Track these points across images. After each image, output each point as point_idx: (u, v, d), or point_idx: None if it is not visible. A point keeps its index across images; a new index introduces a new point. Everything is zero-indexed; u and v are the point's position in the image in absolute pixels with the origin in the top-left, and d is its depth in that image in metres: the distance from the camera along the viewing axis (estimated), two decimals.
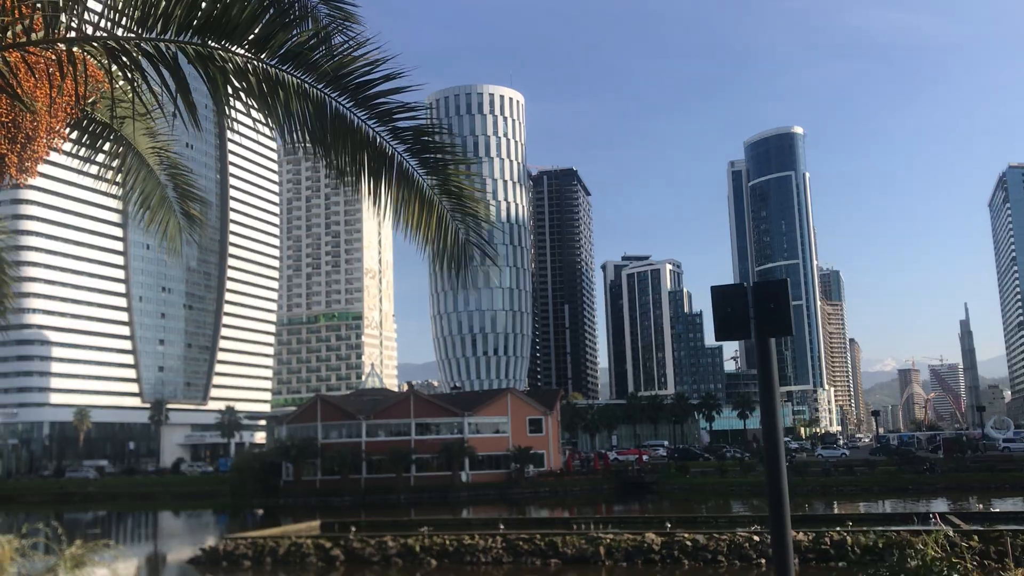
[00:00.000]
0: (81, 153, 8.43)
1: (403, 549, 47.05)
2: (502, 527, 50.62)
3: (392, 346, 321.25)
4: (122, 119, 8.12)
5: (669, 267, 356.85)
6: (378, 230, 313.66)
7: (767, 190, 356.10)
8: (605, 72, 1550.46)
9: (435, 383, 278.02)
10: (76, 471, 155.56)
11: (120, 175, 8.59)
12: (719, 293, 10.51)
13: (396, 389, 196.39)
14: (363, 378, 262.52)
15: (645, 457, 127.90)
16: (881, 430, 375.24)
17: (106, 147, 8.41)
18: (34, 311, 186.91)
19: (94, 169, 8.85)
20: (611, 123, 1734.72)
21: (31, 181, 8.90)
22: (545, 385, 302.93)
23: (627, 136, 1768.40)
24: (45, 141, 5.87)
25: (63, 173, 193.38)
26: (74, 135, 8.28)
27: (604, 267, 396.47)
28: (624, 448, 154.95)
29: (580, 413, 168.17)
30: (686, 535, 45.10)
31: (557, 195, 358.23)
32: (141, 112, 8.23)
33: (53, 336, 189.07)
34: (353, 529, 51.63)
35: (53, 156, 6.48)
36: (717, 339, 10.02)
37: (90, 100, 7.46)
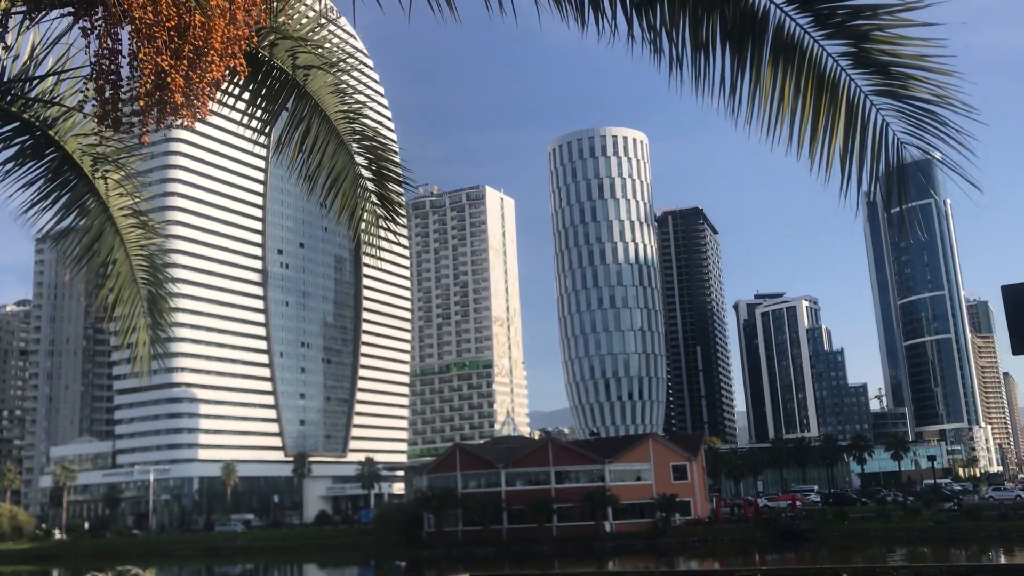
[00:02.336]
0: (257, 114, 6.69)
1: None
2: None
3: (523, 393, 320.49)
4: (307, 70, 6.40)
5: (805, 304, 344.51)
6: (504, 279, 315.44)
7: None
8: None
9: (566, 430, 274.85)
10: (224, 525, 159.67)
11: (306, 145, 6.82)
12: (1013, 293, 8.25)
13: (527, 437, 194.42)
14: (497, 426, 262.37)
15: (798, 503, 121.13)
16: None
17: (288, 105, 6.65)
18: (182, 370, 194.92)
19: (263, 138, 7.20)
20: (735, 160, 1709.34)
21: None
22: (680, 430, 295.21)
23: (752, 172, 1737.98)
24: (220, 59, 4.15)
25: (206, 223, 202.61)
26: (245, 95, 6.61)
27: (736, 306, 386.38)
28: (771, 494, 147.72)
29: (723, 458, 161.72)
30: None
31: (683, 235, 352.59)
32: (332, 60, 6.51)
33: (200, 393, 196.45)
34: None
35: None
36: (1014, 351, 7.75)
37: (266, 32, 5.77)
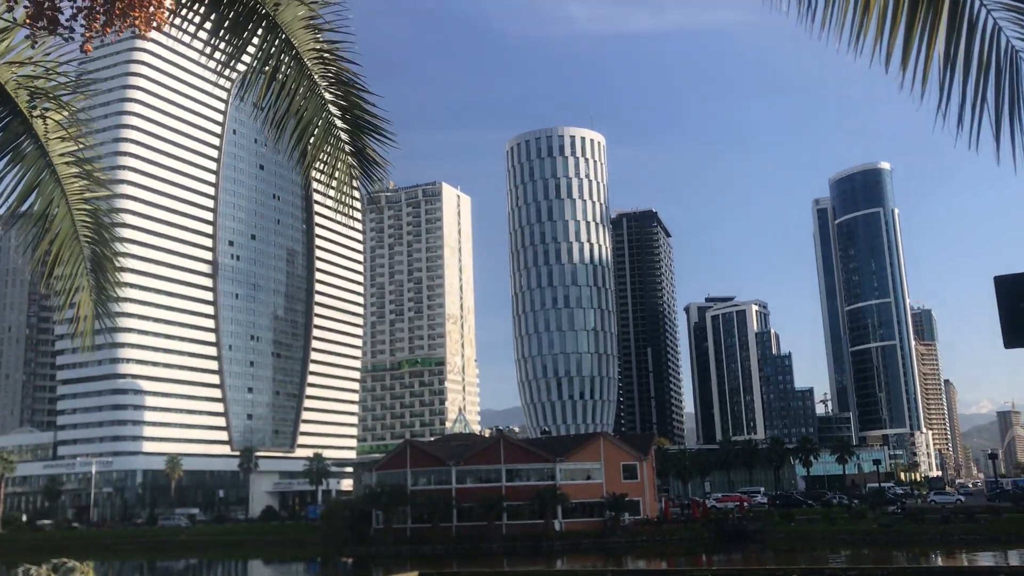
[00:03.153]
0: (220, 47, 5.94)
1: None
2: None
3: (475, 391, 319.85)
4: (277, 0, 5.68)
5: (755, 308, 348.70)
6: (459, 276, 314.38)
7: (855, 227, 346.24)
8: (683, 114, 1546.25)
9: (516, 429, 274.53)
10: (168, 519, 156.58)
11: (271, 86, 6.09)
12: (1006, 284, 7.87)
13: (479, 435, 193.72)
14: (448, 423, 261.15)
15: (746, 504, 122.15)
16: (981, 475, 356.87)
17: (255, 40, 5.89)
18: (127, 361, 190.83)
19: (226, 84, 6.50)
20: (690, 165, 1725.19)
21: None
22: (630, 430, 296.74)
23: (706, 177, 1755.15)
24: None
25: (156, 212, 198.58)
26: (207, 24, 5.84)
27: (687, 309, 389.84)
28: (719, 495, 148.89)
29: (672, 459, 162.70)
30: None
31: (637, 237, 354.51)
32: None
33: (146, 385, 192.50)
34: None
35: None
36: (1007, 344, 7.47)
37: None
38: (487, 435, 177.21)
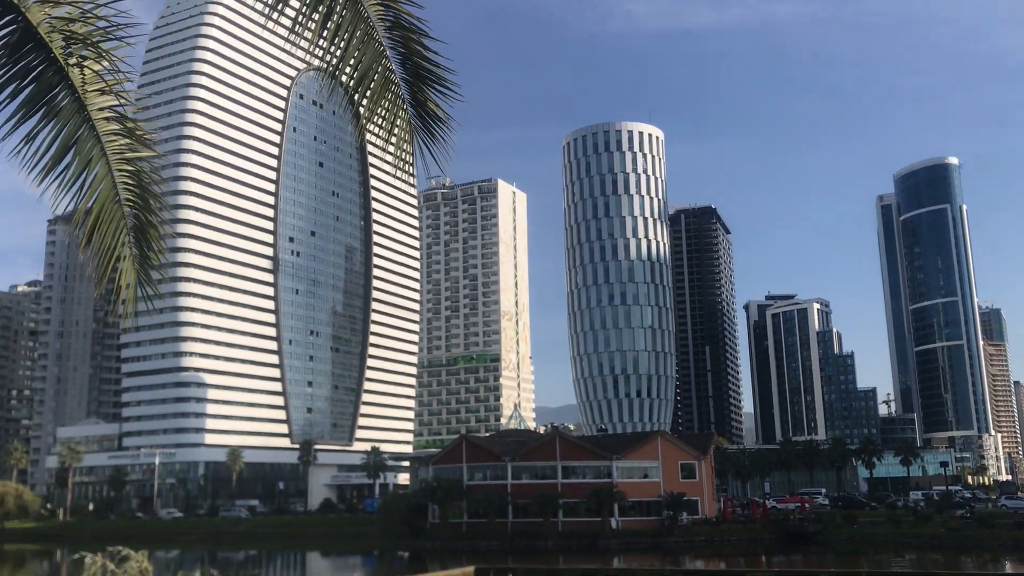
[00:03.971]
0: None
1: None
2: None
3: (529, 388, 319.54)
4: None
5: (817, 306, 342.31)
6: (514, 273, 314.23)
7: (920, 224, 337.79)
8: (743, 109, 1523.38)
9: (572, 427, 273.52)
10: (229, 510, 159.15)
11: (328, 29, 5.51)
12: None
13: (534, 431, 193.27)
14: (503, 420, 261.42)
15: (807, 505, 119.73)
16: None
17: None
18: (190, 354, 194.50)
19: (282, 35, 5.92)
20: (750, 161, 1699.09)
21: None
22: (687, 429, 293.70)
23: (767, 173, 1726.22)
24: None
25: (218, 208, 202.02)
26: None
27: (747, 307, 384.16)
28: (779, 495, 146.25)
29: (731, 458, 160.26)
30: None
31: (696, 234, 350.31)
32: None
33: (208, 378, 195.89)
34: None
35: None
36: None
37: None
38: (542, 432, 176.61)
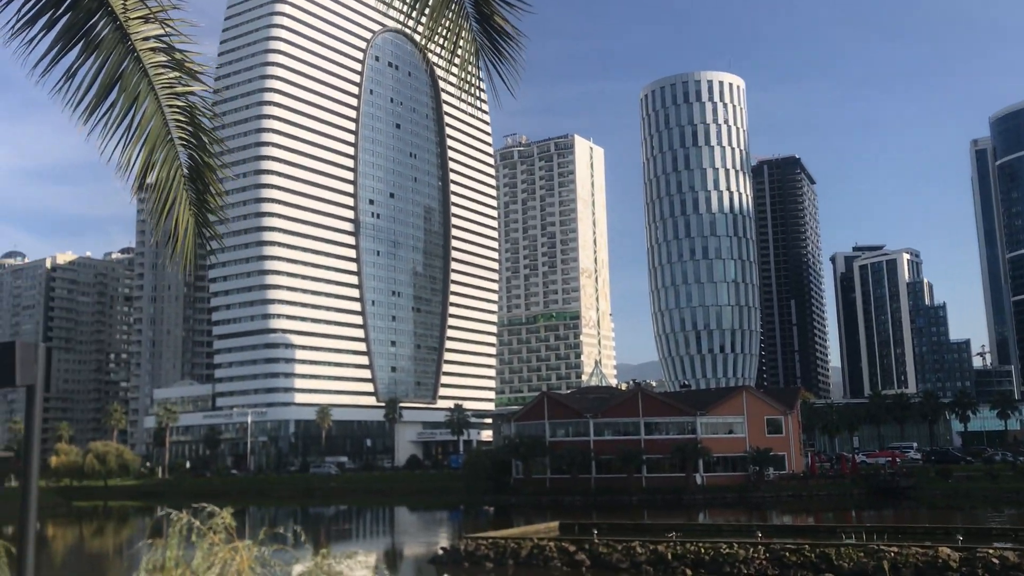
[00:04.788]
0: None
1: (653, 556, 43.13)
2: (759, 535, 45.58)
3: (610, 345, 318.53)
4: None
5: (906, 256, 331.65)
6: (592, 229, 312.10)
7: (1017, 169, 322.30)
8: (827, 55, 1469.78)
9: (653, 383, 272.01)
10: (319, 467, 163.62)
11: None
12: None
13: (616, 388, 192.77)
14: (584, 376, 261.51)
15: (898, 460, 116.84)
16: None
17: None
18: (278, 316, 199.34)
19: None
20: (835, 108, 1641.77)
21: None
22: (773, 384, 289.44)
23: (853, 121, 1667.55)
24: None
25: (299, 172, 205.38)
26: None
27: (833, 259, 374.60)
28: (868, 450, 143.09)
29: (818, 413, 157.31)
30: (990, 551, 38.21)
31: (779, 185, 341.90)
32: None
33: (295, 339, 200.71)
34: (595, 532, 48.34)
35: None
36: None
37: None
38: (624, 389, 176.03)
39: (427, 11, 5.17)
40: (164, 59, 5.81)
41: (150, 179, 6.12)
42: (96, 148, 5.63)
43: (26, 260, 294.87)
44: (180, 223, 6.43)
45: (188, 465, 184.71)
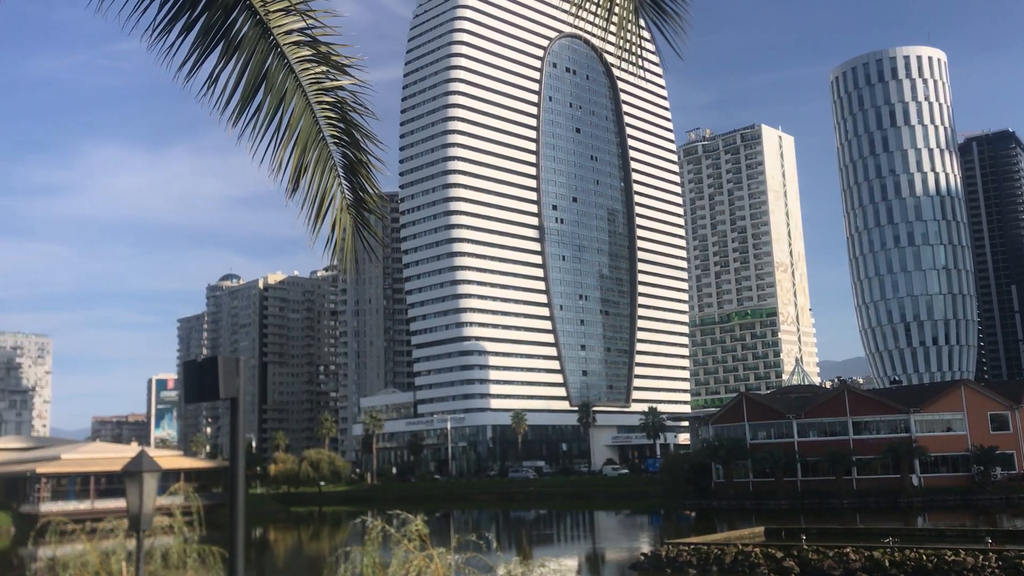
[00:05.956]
0: None
1: (868, 563, 40.43)
2: (990, 541, 41.74)
3: (811, 342, 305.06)
4: None
5: None
6: (786, 221, 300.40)
7: None
8: None
9: (860, 380, 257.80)
10: (517, 471, 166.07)
11: None
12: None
13: (819, 386, 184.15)
14: (786, 375, 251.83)
15: None
16: None
17: None
18: (471, 324, 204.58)
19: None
20: None
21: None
22: (994, 377, 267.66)
23: None
24: None
25: (485, 184, 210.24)
26: None
27: None
28: None
29: None
30: None
31: (991, 162, 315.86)
32: None
33: (488, 346, 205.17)
34: (804, 537, 45.97)
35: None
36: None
37: None
38: (828, 387, 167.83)
39: None
40: (309, 53, 5.55)
41: (303, 182, 5.90)
42: (248, 152, 5.46)
43: (241, 281, 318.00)
44: (339, 223, 6.19)
45: (394, 471, 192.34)
